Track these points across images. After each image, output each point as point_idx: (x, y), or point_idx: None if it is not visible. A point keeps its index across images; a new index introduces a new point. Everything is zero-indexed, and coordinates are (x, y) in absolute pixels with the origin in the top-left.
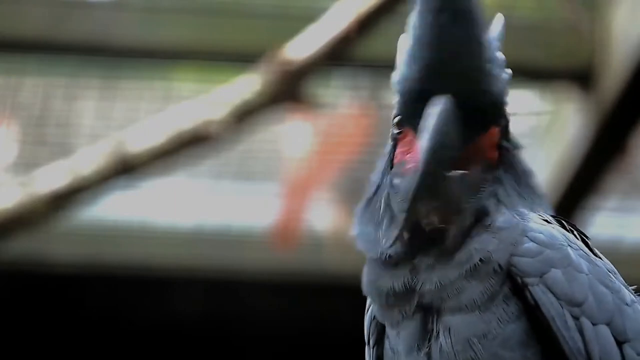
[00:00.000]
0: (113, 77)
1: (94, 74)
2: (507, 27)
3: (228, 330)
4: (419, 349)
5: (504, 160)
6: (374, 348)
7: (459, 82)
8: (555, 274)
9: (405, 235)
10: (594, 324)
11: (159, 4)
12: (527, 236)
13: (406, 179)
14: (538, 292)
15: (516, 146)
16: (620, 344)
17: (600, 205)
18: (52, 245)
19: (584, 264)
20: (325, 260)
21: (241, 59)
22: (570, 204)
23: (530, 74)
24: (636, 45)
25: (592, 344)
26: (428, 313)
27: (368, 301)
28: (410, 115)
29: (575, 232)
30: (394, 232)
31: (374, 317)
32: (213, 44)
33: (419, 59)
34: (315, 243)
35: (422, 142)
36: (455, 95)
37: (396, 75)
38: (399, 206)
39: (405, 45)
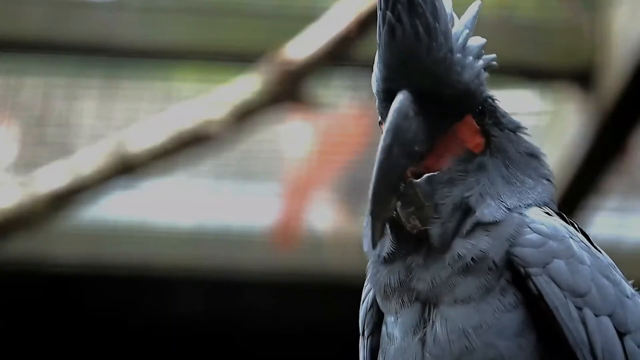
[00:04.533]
0: (113, 77)
1: (94, 74)
2: (508, 27)
3: (228, 330)
4: (415, 334)
5: (491, 145)
6: (369, 338)
7: (418, 77)
8: (558, 264)
9: (380, 236)
10: (596, 315)
11: (159, 4)
12: (529, 227)
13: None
14: (542, 282)
15: (509, 128)
16: (621, 335)
17: (600, 205)
18: (52, 245)
19: (585, 256)
20: (325, 260)
21: (241, 59)
22: (570, 204)
23: (530, 74)
24: (636, 45)
25: (594, 335)
26: (425, 303)
27: (364, 292)
28: (384, 116)
29: (575, 226)
30: (369, 234)
31: (370, 307)
32: (213, 44)
33: (381, 59)
34: (315, 243)
35: (380, 141)
36: (416, 90)
37: (372, 77)
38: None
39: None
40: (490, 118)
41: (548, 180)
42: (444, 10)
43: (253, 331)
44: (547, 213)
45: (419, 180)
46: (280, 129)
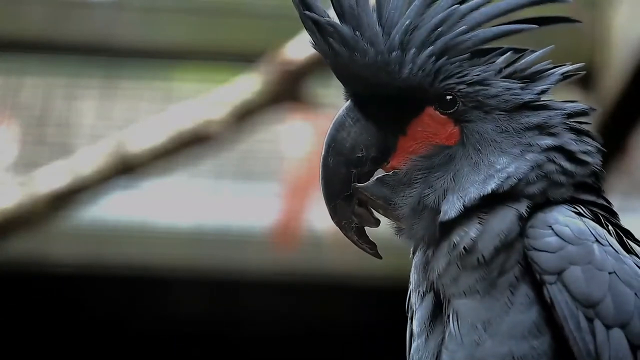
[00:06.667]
0: (113, 77)
1: (94, 74)
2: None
3: (228, 330)
4: (428, 332)
5: (465, 131)
6: (410, 323)
7: (352, 85)
8: (574, 271)
9: (364, 241)
10: (608, 327)
11: (159, 4)
12: (552, 228)
13: None
14: (555, 290)
15: (502, 108)
16: (636, 347)
17: None
18: (52, 245)
19: (608, 262)
20: (325, 260)
21: (241, 59)
22: None
23: None
24: (636, 45)
25: (603, 348)
26: (439, 297)
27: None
28: None
29: (611, 227)
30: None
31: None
32: (213, 44)
33: None
34: (315, 243)
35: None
36: (356, 97)
37: None
38: None
39: None
40: (466, 103)
41: (542, 150)
42: (369, 15)
43: (253, 331)
44: (578, 212)
45: (364, 184)
46: (280, 129)
